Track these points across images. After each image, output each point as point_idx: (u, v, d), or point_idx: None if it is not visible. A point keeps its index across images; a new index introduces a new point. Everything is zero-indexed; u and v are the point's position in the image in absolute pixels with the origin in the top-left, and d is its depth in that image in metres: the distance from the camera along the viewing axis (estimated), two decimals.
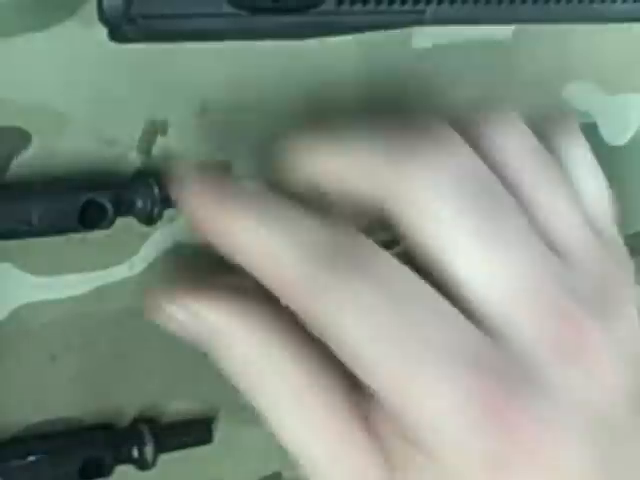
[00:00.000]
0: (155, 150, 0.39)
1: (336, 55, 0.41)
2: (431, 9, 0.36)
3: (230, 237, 0.30)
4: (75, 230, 0.35)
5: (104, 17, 0.33)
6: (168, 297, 0.32)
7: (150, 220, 0.37)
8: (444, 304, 0.29)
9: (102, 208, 0.35)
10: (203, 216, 0.31)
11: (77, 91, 0.37)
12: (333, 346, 0.29)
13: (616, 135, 0.50)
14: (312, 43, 0.38)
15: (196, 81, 0.38)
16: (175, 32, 0.34)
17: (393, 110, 0.43)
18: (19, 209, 0.35)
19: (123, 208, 0.37)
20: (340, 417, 0.31)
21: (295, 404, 0.31)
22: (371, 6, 0.35)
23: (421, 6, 0.36)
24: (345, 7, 0.35)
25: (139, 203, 0.37)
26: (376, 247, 0.30)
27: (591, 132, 0.47)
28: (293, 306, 0.29)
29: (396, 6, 0.35)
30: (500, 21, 0.39)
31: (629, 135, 0.50)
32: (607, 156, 0.46)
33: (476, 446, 0.27)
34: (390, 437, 0.30)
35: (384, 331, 0.28)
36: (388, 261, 0.29)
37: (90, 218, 0.36)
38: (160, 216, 0.38)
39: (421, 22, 0.36)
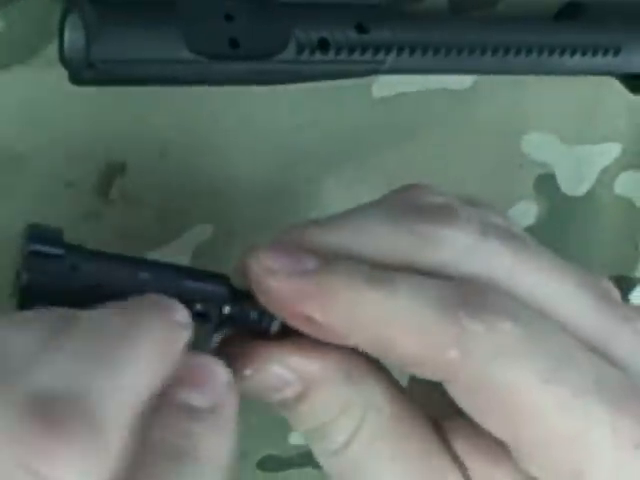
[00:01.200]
0: (113, 193, 0.39)
1: (295, 102, 0.41)
2: (391, 59, 0.36)
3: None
4: None
5: (64, 60, 0.34)
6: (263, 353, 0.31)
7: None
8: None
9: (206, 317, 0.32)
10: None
11: (35, 132, 0.37)
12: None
13: (574, 186, 0.49)
14: (271, 89, 0.37)
15: (156, 124, 0.38)
16: (134, 77, 0.34)
17: (355, 157, 0.43)
18: None
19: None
20: (429, 447, 0.32)
21: (393, 444, 0.32)
22: (331, 55, 0.35)
23: (380, 56, 0.36)
24: (305, 56, 0.35)
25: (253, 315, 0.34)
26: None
27: (549, 183, 0.48)
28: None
29: (356, 55, 0.36)
30: (459, 72, 0.40)
31: (587, 186, 0.49)
32: (564, 206, 0.47)
33: None
34: (470, 456, 0.31)
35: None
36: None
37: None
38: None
39: (380, 71, 0.37)
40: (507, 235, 0.32)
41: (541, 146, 0.47)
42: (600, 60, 0.41)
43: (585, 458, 0.29)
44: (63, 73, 0.33)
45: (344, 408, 0.31)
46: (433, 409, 0.32)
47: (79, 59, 0.33)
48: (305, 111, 0.41)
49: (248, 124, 0.41)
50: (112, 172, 0.38)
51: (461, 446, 0.31)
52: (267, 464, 0.54)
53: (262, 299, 0.29)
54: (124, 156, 0.38)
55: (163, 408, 0.25)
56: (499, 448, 0.30)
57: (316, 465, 0.55)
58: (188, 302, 0.29)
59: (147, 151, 0.39)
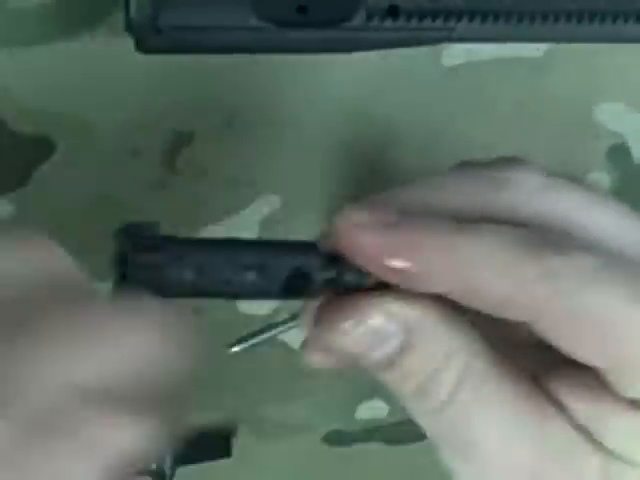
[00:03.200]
0: (179, 163, 0.39)
1: (364, 70, 0.41)
2: (462, 26, 0.37)
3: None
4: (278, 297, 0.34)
5: (131, 27, 0.34)
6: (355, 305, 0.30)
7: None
8: None
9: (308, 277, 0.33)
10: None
11: (102, 101, 0.37)
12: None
13: None
14: (341, 57, 0.37)
15: (223, 95, 0.38)
16: (202, 44, 0.35)
17: (424, 127, 0.42)
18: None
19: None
20: (528, 390, 0.31)
21: (498, 388, 0.31)
22: (401, 22, 0.36)
23: (452, 23, 0.37)
24: (375, 23, 0.36)
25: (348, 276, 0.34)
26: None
27: (622, 153, 0.49)
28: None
29: (427, 22, 0.37)
30: (532, 39, 0.40)
31: None
32: (638, 177, 0.47)
33: None
34: (570, 397, 0.30)
35: None
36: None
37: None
38: None
39: (451, 39, 0.38)
40: (572, 180, 0.32)
41: (614, 116, 0.48)
42: None
43: None
44: (129, 41, 0.34)
45: (449, 355, 0.30)
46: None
47: (146, 26, 0.34)
48: (374, 80, 0.42)
49: (316, 94, 0.41)
50: (179, 141, 0.38)
51: (556, 387, 0.30)
52: (333, 438, 0.53)
53: (352, 255, 0.29)
54: (191, 126, 0.38)
55: None
56: (595, 382, 0.30)
57: (380, 439, 0.55)
58: (290, 275, 0.29)
59: (214, 121, 0.39)
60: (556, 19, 0.38)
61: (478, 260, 0.28)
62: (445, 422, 0.30)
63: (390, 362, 0.29)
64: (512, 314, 0.28)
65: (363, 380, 0.50)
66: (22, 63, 0.38)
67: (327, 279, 0.28)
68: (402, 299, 0.29)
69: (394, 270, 0.28)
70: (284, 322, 0.39)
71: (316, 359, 0.31)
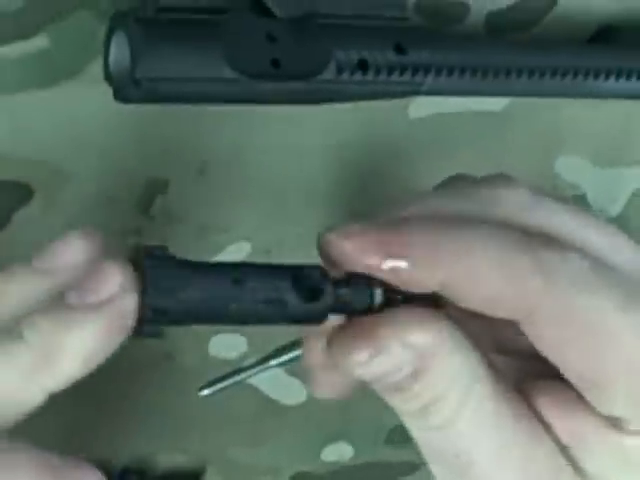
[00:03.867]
0: (154, 209, 0.39)
1: (335, 121, 0.41)
2: (429, 80, 0.37)
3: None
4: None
5: (110, 77, 0.34)
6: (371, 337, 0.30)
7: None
8: None
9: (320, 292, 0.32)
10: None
11: (80, 148, 0.38)
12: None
13: (605, 207, 0.50)
14: (311, 108, 0.37)
15: (197, 143, 0.39)
16: (177, 95, 0.35)
17: (390, 175, 0.43)
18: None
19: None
20: (522, 413, 0.32)
21: (495, 412, 0.32)
22: (370, 76, 0.36)
23: (419, 77, 0.36)
24: (344, 76, 0.35)
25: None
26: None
27: (580, 204, 0.48)
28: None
29: (395, 76, 0.36)
30: (495, 93, 0.40)
31: (618, 208, 0.50)
32: None
33: None
34: (552, 412, 0.32)
35: None
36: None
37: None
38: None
39: (419, 93, 0.38)
40: (557, 197, 0.33)
41: (573, 168, 0.48)
42: (634, 84, 0.41)
43: None
44: (108, 90, 0.34)
45: (454, 379, 0.31)
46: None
47: (125, 76, 0.34)
48: (343, 130, 0.43)
49: (286, 143, 0.41)
50: (153, 189, 0.39)
51: (542, 404, 0.32)
52: None
53: (347, 262, 0.30)
54: (165, 173, 0.39)
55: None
56: (579, 399, 0.31)
57: None
58: (301, 292, 0.29)
59: (188, 168, 0.39)
60: (519, 75, 0.39)
61: (472, 252, 0.29)
62: (444, 440, 0.31)
63: (401, 387, 0.30)
64: (503, 310, 0.30)
65: (329, 423, 0.51)
66: (0, 110, 0.37)
67: (337, 297, 0.29)
68: (415, 324, 0.30)
69: (390, 271, 0.29)
70: (254, 365, 0.41)
71: (322, 389, 0.34)
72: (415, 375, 0.30)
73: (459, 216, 0.32)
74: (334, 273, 0.31)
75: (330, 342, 0.30)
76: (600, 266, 0.31)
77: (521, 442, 0.32)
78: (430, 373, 0.30)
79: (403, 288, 0.30)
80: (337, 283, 0.30)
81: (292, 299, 0.30)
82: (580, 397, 0.31)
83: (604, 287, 0.30)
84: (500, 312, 0.30)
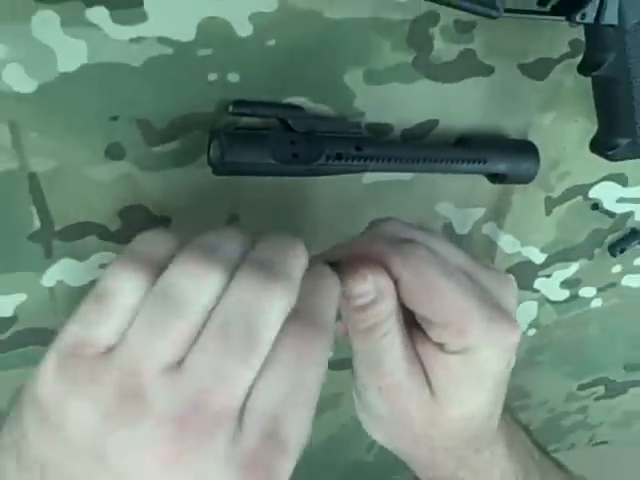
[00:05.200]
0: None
1: (325, 188, 0.54)
2: (373, 164, 0.51)
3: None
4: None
5: (210, 162, 0.48)
6: (365, 273, 0.37)
7: None
8: None
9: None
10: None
11: (179, 202, 0.49)
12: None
13: (459, 231, 0.62)
14: (316, 179, 0.51)
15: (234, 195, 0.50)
16: (245, 171, 0.47)
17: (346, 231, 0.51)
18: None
19: None
20: (407, 343, 0.39)
21: (403, 335, 0.39)
22: (343, 161, 0.49)
23: (368, 162, 0.50)
24: (330, 162, 0.49)
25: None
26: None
27: (449, 229, 0.61)
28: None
29: (355, 162, 0.50)
30: (406, 170, 0.54)
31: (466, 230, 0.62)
32: None
33: None
34: (428, 355, 0.39)
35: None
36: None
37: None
38: None
39: (367, 170, 0.51)
40: (421, 225, 0.43)
41: (447, 209, 0.60)
42: (477, 166, 0.56)
43: (463, 321, 0.38)
44: (209, 169, 0.47)
45: (390, 312, 0.38)
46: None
47: (218, 162, 0.46)
48: (325, 195, 0.55)
49: (294, 196, 0.53)
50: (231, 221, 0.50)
51: (416, 339, 0.40)
52: None
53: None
54: (238, 211, 0.50)
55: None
56: (426, 335, 0.39)
57: None
58: None
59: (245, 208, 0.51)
60: (417, 160, 0.53)
61: (370, 250, 0.39)
62: (375, 351, 0.39)
63: (363, 308, 0.38)
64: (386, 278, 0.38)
65: None
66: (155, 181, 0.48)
67: None
68: (381, 273, 0.38)
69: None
70: None
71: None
72: (372, 303, 0.38)
73: (372, 238, 0.41)
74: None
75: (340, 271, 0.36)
76: (434, 254, 0.39)
77: (406, 358, 0.40)
78: (381, 304, 0.38)
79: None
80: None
81: None
82: (426, 333, 0.40)
83: (435, 264, 0.38)
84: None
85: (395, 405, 0.40)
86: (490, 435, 0.43)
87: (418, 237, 0.40)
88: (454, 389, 0.39)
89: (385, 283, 0.38)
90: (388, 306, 0.38)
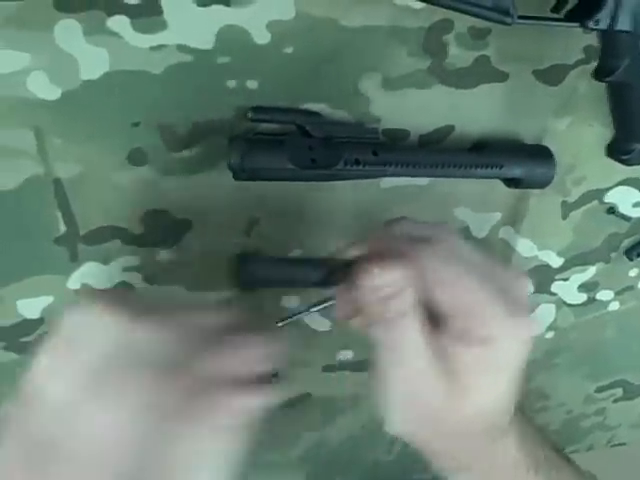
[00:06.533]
0: (253, 233, 0.51)
1: (344, 192, 0.54)
2: (390, 169, 0.51)
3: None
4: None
5: (230, 167, 0.47)
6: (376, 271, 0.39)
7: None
8: None
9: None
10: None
11: (198, 207, 0.49)
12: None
13: (476, 234, 0.62)
14: (334, 183, 0.52)
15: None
16: (264, 176, 0.48)
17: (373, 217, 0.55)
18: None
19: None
20: (424, 332, 0.40)
21: (420, 325, 0.40)
22: (361, 166, 0.49)
23: (386, 167, 0.51)
24: (348, 167, 0.49)
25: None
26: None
27: (466, 231, 0.62)
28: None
29: (373, 167, 0.50)
30: (423, 175, 0.54)
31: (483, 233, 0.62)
32: None
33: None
34: (450, 346, 0.39)
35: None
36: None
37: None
38: None
39: (386, 175, 0.51)
40: (434, 223, 0.44)
41: (463, 213, 0.60)
42: (493, 171, 0.55)
43: (481, 319, 0.39)
44: (229, 174, 0.48)
45: (413, 303, 0.39)
46: None
47: (238, 167, 0.47)
48: (351, 199, 0.55)
49: (317, 196, 0.53)
50: (253, 222, 0.51)
51: (439, 333, 0.40)
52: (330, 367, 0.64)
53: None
54: (257, 214, 0.51)
55: None
56: (440, 328, 0.40)
57: None
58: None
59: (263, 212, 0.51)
60: (435, 166, 0.52)
61: (388, 245, 0.41)
62: (397, 338, 0.40)
63: (383, 300, 0.39)
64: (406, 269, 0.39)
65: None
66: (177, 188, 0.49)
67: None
68: (400, 268, 0.40)
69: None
70: (307, 309, 0.48)
71: (343, 314, 0.42)
72: (398, 291, 0.39)
73: (390, 235, 0.42)
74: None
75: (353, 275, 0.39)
76: (454, 249, 0.41)
77: (426, 344, 0.40)
78: (400, 297, 0.39)
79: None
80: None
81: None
82: (445, 328, 0.40)
83: (453, 257, 0.40)
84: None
85: (416, 394, 0.40)
86: (504, 426, 0.44)
87: (436, 233, 0.42)
88: (474, 379, 0.40)
89: (410, 273, 0.39)
90: (411, 295, 0.39)
